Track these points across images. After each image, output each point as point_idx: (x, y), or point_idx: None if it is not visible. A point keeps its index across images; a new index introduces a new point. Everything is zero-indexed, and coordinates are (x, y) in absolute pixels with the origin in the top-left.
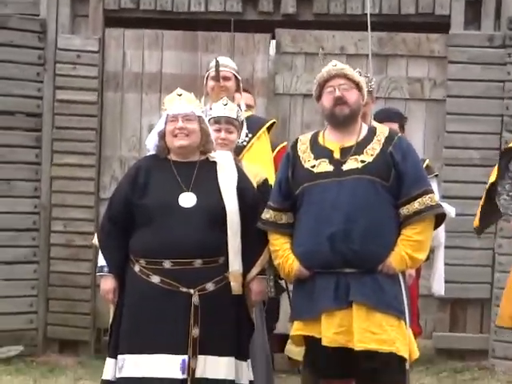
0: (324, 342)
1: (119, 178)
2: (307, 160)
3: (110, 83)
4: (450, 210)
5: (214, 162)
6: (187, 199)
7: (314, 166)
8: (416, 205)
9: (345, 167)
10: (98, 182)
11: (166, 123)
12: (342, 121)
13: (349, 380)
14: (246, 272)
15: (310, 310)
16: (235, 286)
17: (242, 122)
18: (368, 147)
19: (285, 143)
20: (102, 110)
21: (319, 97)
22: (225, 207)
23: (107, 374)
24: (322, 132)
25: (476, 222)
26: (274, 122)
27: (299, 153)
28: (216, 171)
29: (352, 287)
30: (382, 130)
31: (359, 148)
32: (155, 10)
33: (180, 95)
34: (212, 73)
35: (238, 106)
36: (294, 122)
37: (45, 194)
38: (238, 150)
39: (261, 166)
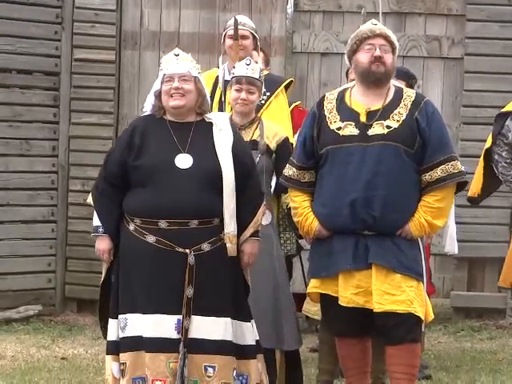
0: (342, 302)
1: None
2: (333, 121)
3: (128, 42)
4: None
5: (211, 123)
6: (183, 160)
7: (339, 129)
8: (438, 172)
9: (370, 132)
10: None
11: (162, 83)
12: (377, 78)
13: (364, 338)
14: (239, 234)
15: (327, 269)
16: (230, 248)
17: (262, 81)
18: (394, 112)
19: (298, 102)
20: (119, 68)
21: (354, 52)
22: (221, 169)
23: (112, 335)
24: (349, 90)
25: (475, 190)
26: (292, 81)
27: (325, 112)
28: (212, 132)
29: (371, 249)
30: (409, 94)
31: (385, 112)
32: None
33: (177, 55)
34: (230, 31)
35: (257, 63)
36: (312, 81)
37: (63, 153)
38: (257, 109)
39: (279, 124)
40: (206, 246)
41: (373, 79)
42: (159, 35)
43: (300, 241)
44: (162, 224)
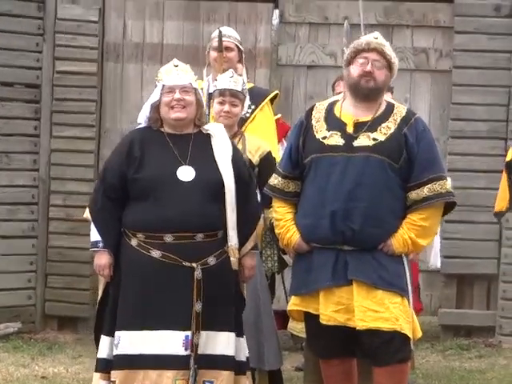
0: (322, 320)
1: None
2: (319, 130)
3: (111, 54)
4: None
5: (208, 135)
6: (186, 173)
7: (325, 138)
8: (425, 191)
9: (356, 143)
10: (98, 155)
11: (161, 94)
12: (365, 93)
13: (348, 358)
14: (239, 246)
15: (307, 285)
16: (234, 261)
17: (245, 93)
18: (383, 125)
19: (279, 115)
20: (102, 81)
21: (349, 63)
22: (223, 181)
23: (103, 353)
24: (339, 102)
25: (502, 204)
26: (277, 94)
27: (313, 121)
28: (211, 144)
29: (350, 264)
30: (400, 109)
31: (374, 125)
32: None
33: (176, 66)
34: (214, 43)
35: (241, 76)
36: (297, 94)
37: (44, 166)
38: (241, 122)
39: (264, 138)
40: (211, 260)
41: (361, 94)
42: (142, 47)
43: (284, 257)
44: (168, 238)
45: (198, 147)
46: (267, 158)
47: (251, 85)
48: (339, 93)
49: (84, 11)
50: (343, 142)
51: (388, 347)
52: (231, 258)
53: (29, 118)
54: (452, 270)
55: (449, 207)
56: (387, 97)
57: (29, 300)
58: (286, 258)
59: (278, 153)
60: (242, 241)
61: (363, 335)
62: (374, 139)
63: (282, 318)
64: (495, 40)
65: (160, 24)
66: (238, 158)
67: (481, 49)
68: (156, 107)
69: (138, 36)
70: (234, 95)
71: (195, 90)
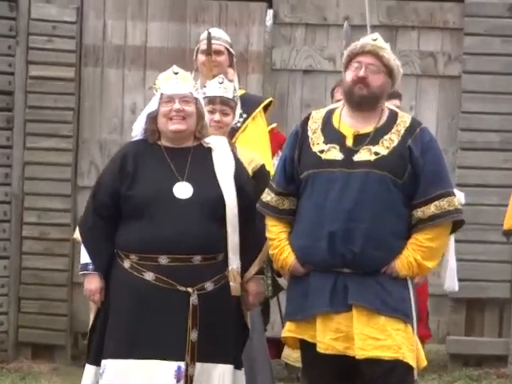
0: (320, 349)
1: (99, 164)
2: (316, 143)
3: (89, 58)
4: (459, 195)
5: (209, 148)
6: (183, 190)
7: (322, 151)
8: (432, 208)
9: (356, 157)
10: (76, 168)
11: (159, 104)
12: (357, 102)
13: None
14: (243, 271)
15: (303, 311)
16: (234, 287)
17: (237, 101)
18: (385, 137)
19: (274, 125)
20: (80, 87)
21: (346, 68)
22: (224, 199)
23: (87, 382)
24: (338, 110)
25: (511, 223)
26: (271, 101)
27: (309, 132)
28: (212, 159)
29: (351, 289)
30: (404, 119)
31: (376, 137)
32: None
33: (176, 73)
34: (203, 46)
35: (232, 82)
36: (293, 101)
37: (16, 181)
38: (232, 132)
39: (257, 150)
40: (209, 285)
41: (354, 102)
42: (124, 50)
43: (279, 280)
44: (163, 260)
45: (197, 162)
46: (261, 172)
47: (243, 91)
48: (338, 100)
49: (60, 11)
50: (342, 156)
51: (389, 377)
52: (231, 284)
53: (0, 127)
54: (461, 294)
55: (456, 225)
56: (390, 104)
57: (0, 326)
58: (281, 280)
59: (273, 166)
60: (246, 265)
61: (363, 364)
62: (376, 153)
63: (277, 346)
64: (509, 43)
65: (143, 25)
66: (241, 174)
67: (493, 52)
68: (153, 118)
69: (119, 38)
70: (224, 103)
71: (196, 99)
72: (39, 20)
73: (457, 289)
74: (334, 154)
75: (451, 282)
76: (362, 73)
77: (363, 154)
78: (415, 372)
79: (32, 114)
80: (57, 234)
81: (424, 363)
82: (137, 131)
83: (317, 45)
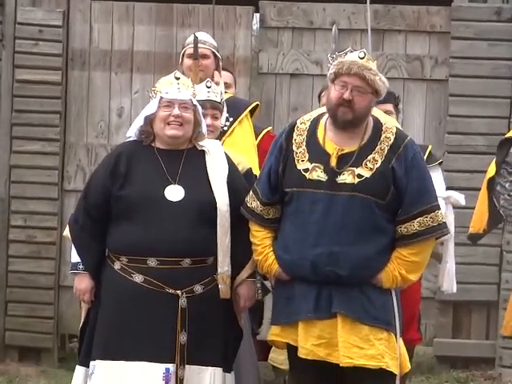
0: (301, 354)
1: (85, 168)
2: (301, 160)
3: (76, 61)
4: (458, 197)
5: (203, 151)
6: (174, 192)
7: (307, 170)
8: (415, 225)
9: (339, 179)
10: (62, 172)
11: (158, 107)
12: (341, 125)
13: None
14: (234, 274)
15: (287, 315)
16: (224, 289)
17: (223, 104)
18: (369, 157)
19: (269, 128)
20: (66, 91)
21: (332, 81)
22: (215, 202)
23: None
24: (322, 121)
25: (479, 226)
26: (258, 105)
27: (293, 147)
28: (205, 162)
29: (335, 297)
30: (388, 135)
31: (359, 157)
32: None
33: (178, 79)
34: (189, 50)
35: (218, 85)
36: (280, 105)
37: (3, 184)
38: (219, 136)
39: (243, 153)
40: (198, 288)
41: (337, 124)
42: (110, 54)
43: (266, 282)
44: (152, 262)
45: (190, 165)
46: (248, 175)
47: (229, 95)
48: (325, 104)
49: (46, 15)
50: (326, 177)
51: (372, 383)
52: (220, 286)
53: None
54: (448, 297)
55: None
56: (382, 109)
57: None
58: (267, 283)
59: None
60: (238, 268)
61: (346, 371)
62: (359, 176)
63: (265, 348)
64: (496, 46)
65: (130, 29)
66: (234, 178)
67: (480, 56)
68: (150, 121)
69: (106, 42)
70: (215, 107)
71: (195, 107)
72: (25, 24)
73: (455, 290)
74: (318, 174)
75: (449, 284)
76: (347, 95)
77: (347, 176)
78: (397, 378)
79: (18, 118)
80: (43, 237)
81: (407, 368)
82: (131, 132)
83: (304, 49)
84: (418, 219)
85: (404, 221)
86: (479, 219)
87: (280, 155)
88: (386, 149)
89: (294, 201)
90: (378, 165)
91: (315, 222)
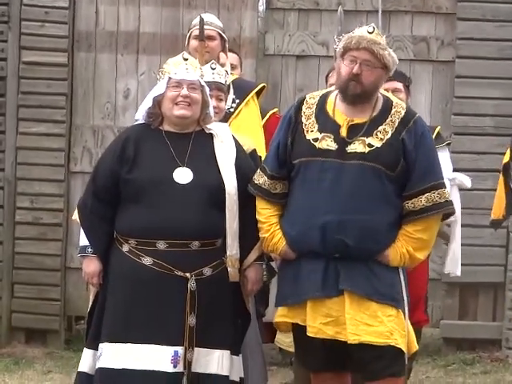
0: (309, 333)
1: (92, 149)
2: (310, 130)
3: (82, 43)
4: (464, 180)
5: (211, 135)
6: (183, 175)
7: (316, 140)
8: (423, 201)
9: (350, 148)
10: (69, 154)
11: (167, 88)
12: (350, 99)
13: (341, 372)
14: (242, 258)
15: (294, 295)
16: (233, 273)
17: (229, 86)
18: (379, 128)
19: (275, 109)
20: (72, 73)
21: (342, 57)
22: (224, 185)
23: (84, 366)
24: (332, 96)
25: (498, 212)
26: (264, 86)
27: (303, 119)
28: (213, 145)
29: (342, 274)
30: (398, 109)
31: (370, 128)
32: None
33: (186, 60)
34: (195, 32)
35: (224, 66)
36: (286, 87)
37: (9, 166)
38: (225, 117)
39: (249, 135)
40: (207, 271)
41: (348, 98)
42: (116, 35)
43: (272, 264)
44: (161, 245)
45: (198, 148)
46: (252, 156)
47: (235, 76)
48: (332, 84)
49: None
50: (336, 146)
51: (380, 360)
52: (229, 269)
53: None
54: (454, 279)
55: (446, 214)
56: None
57: None
58: (273, 264)
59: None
60: (245, 251)
61: (354, 348)
62: (370, 145)
63: (271, 330)
64: (502, 28)
65: (136, 10)
66: (242, 161)
67: (486, 37)
68: (158, 102)
69: (112, 23)
70: (220, 89)
71: (203, 87)
72: (32, 5)
73: (459, 273)
74: (328, 143)
75: (453, 267)
76: (355, 70)
77: (357, 146)
78: (405, 356)
79: (25, 100)
80: (50, 219)
81: (415, 348)
82: (139, 115)
83: (310, 30)
84: (426, 195)
85: (411, 196)
86: (498, 205)
87: (289, 128)
88: (397, 121)
89: (302, 171)
90: (388, 136)
91: (325, 190)
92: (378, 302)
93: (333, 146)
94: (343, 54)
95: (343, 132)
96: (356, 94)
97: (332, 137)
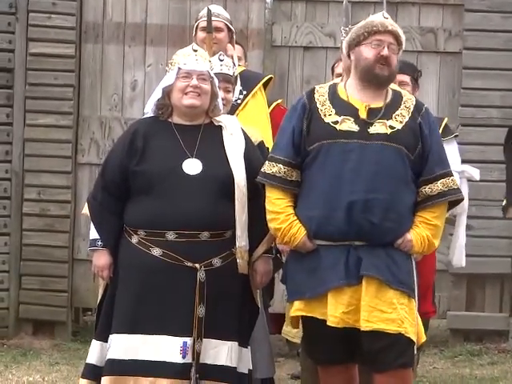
0: (330, 323)
1: (99, 141)
2: (328, 114)
3: (89, 35)
4: (473, 172)
5: (220, 127)
6: (192, 166)
7: (336, 123)
8: (439, 185)
9: (371, 130)
10: (76, 145)
11: (176, 79)
12: (380, 82)
13: (349, 365)
14: (251, 249)
15: (314, 288)
16: (242, 264)
17: (236, 77)
18: (396, 112)
19: (279, 100)
20: (80, 64)
21: (358, 43)
22: (233, 177)
23: (92, 358)
24: (341, 84)
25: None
26: (271, 78)
27: (317, 104)
28: (222, 137)
29: (364, 260)
30: (409, 97)
31: (387, 112)
32: None
33: (196, 51)
34: (202, 23)
35: (231, 58)
36: (293, 78)
37: (17, 158)
38: (232, 109)
39: (257, 126)
40: (216, 262)
41: (375, 81)
42: (124, 27)
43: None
44: (170, 236)
45: (207, 139)
46: (259, 148)
47: (242, 68)
48: (339, 75)
49: None
50: (358, 128)
51: (390, 351)
52: (238, 261)
53: (0, 104)
54: (461, 270)
55: (451, 204)
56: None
57: (1, 303)
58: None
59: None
60: (254, 244)
61: (365, 337)
62: (391, 127)
63: (278, 321)
64: (509, 19)
65: (143, 2)
66: (251, 153)
67: (494, 29)
68: (168, 92)
69: (120, 15)
70: (227, 80)
71: (212, 78)
72: None
73: (464, 264)
74: (349, 125)
75: (459, 257)
76: (385, 52)
77: (379, 127)
78: (415, 347)
79: (32, 91)
80: (57, 210)
81: (423, 339)
82: (148, 108)
83: (317, 21)
84: (442, 180)
85: (429, 181)
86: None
87: (303, 114)
88: (412, 107)
89: (322, 155)
90: (406, 119)
91: (349, 171)
92: (397, 289)
93: (354, 127)
94: (364, 39)
95: (362, 114)
96: (384, 76)
97: (352, 119)
